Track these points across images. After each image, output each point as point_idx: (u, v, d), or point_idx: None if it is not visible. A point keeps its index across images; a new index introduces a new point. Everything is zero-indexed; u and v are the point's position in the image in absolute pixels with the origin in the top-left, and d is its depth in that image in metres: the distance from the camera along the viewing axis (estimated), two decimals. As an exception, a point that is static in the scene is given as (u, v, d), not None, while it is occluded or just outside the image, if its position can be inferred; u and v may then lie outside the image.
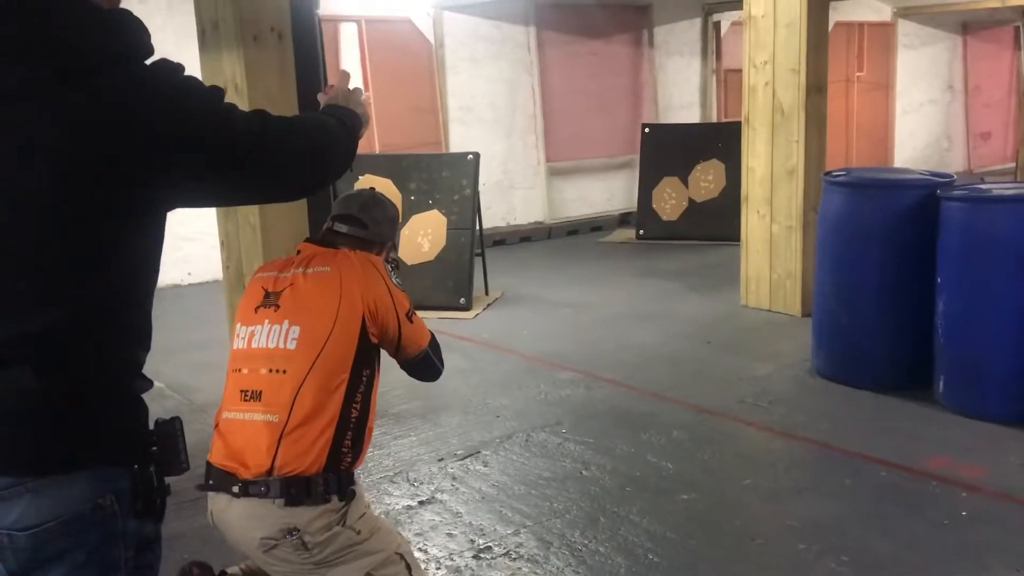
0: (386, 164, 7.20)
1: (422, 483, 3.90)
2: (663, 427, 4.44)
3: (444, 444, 4.29)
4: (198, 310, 7.10)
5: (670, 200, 9.42)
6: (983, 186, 4.70)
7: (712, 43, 11.18)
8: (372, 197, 2.51)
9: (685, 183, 9.39)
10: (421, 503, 3.73)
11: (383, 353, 2.37)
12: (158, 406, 5.02)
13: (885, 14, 12.87)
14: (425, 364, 2.45)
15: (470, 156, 6.98)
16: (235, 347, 2.34)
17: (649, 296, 7.10)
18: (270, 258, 4.10)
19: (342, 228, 2.42)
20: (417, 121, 8.97)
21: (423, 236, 6.95)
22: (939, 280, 4.47)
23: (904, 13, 13.04)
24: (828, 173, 5.05)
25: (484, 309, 6.78)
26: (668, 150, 9.49)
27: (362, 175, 7.02)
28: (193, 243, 7.86)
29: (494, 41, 9.41)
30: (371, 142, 8.51)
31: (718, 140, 9.36)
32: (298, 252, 2.43)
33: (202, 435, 4.68)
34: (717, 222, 8.98)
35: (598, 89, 10.19)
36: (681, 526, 3.48)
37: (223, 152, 1.48)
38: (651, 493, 3.77)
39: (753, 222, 6.53)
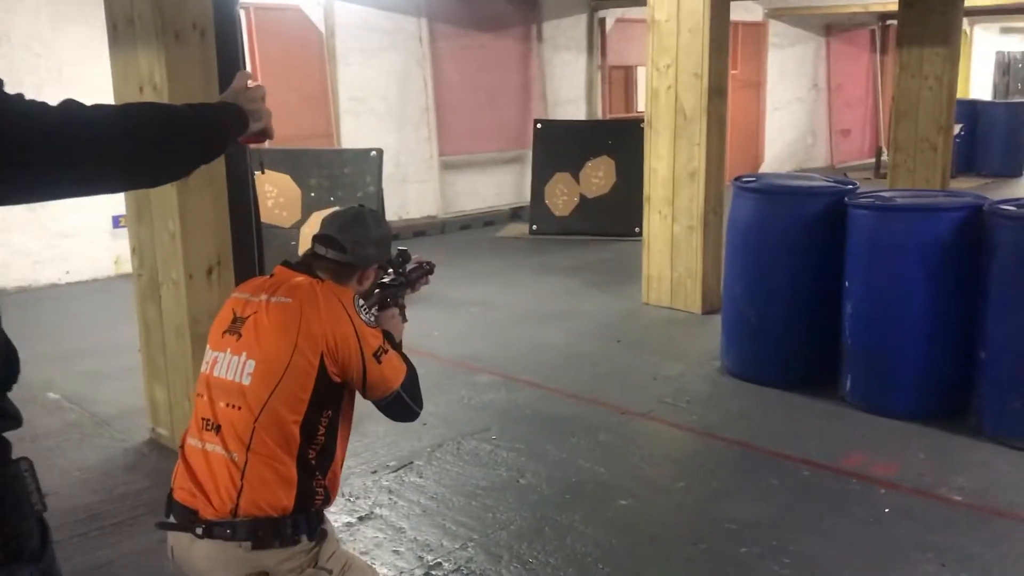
0: (284, 159, 6.97)
1: (358, 498, 3.81)
2: (590, 430, 4.49)
3: (374, 456, 4.21)
4: (82, 312, 6.71)
5: (562, 196, 9.52)
6: (886, 194, 4.95)
7: (597, 39, 11.33)
8: (355, 216, 2.35)
9: (576, 179, 9.51)
10: (361, 519, 3.64)
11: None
12: (58, 419, 4.72)
13: (757, 14, 13.37)
14: (396, 406, 2.24)
15: (373, 152, 6.85)
16: (202, 370, 2.23)
17: (553, 293, 7.16)
18: (190, 268, 3.93)
19: (321, 251, 2.29)
20: (308, 112, 8.72)
21: (325, 234, 6.77)
22: (847, 284, 4.69)
23: (774, 14, 13.59)
24: (739, 179, 5.21)
25: (389, 309, 6.67)
26: (559, 146, 9.58)
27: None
28: (70, 239, 7.43)
29: (386, 32, 9.25)
30: (261, 134, 8.23)
31: (608, 137, 9.53)
32: (272, 275, 2.31)
33: (110, 451, 4.48)
34: (608, 218, 9.16)
35: (489, 83, 10.17)
36: (625, 533, 3.53)
37: (14, 147, 1.36)
38: (590, 499, 3.80)
39: (655, 222, 6.68)
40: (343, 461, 2.25)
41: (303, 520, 2.09)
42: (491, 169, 10.36)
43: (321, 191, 6.84)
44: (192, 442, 2.16)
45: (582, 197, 9.48)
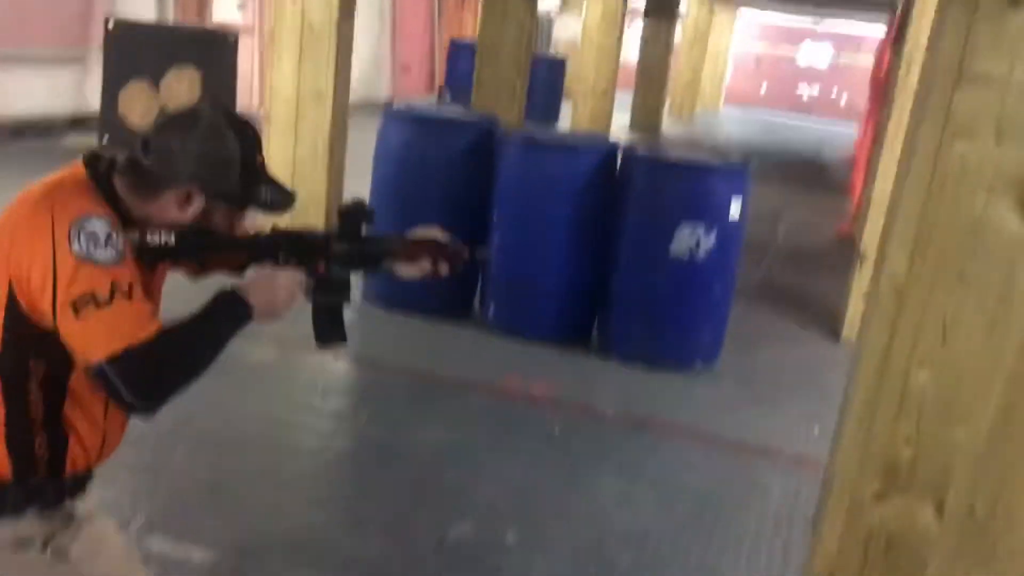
0: None
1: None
2: (252, 369, 4.18)
3: None
4: None
5: (140, 105, 8.57)
6: (533, 133, 5.23)
7: (171, -65, 10.30)
8: (189, 115, 1.70)
9: (156, 88, 8.62)
10: None
11: None
12: None
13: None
14: (102, 383, 1.57)
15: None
16: None
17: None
18: None
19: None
20: None
21: None
22: (495, 215, 4.89)
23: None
24: (389, 106, 5.13)
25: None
26: (137, 51, 8.56)
27: None
28: None
29: None
30: None
31: (195, 47, 8.76)
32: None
33: None
34: (195, 134, 8.49)
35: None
36: (332, 470, 3.38)
37: None
38: (281, 447, 3.57)
39: (276, 144, 6.28)
40: (110, 429, 1.75)
41: (27, 490, 1.68)
42: (45, 68, 8.97)
43: None
44: None
45: (162, 110, 8.63)
